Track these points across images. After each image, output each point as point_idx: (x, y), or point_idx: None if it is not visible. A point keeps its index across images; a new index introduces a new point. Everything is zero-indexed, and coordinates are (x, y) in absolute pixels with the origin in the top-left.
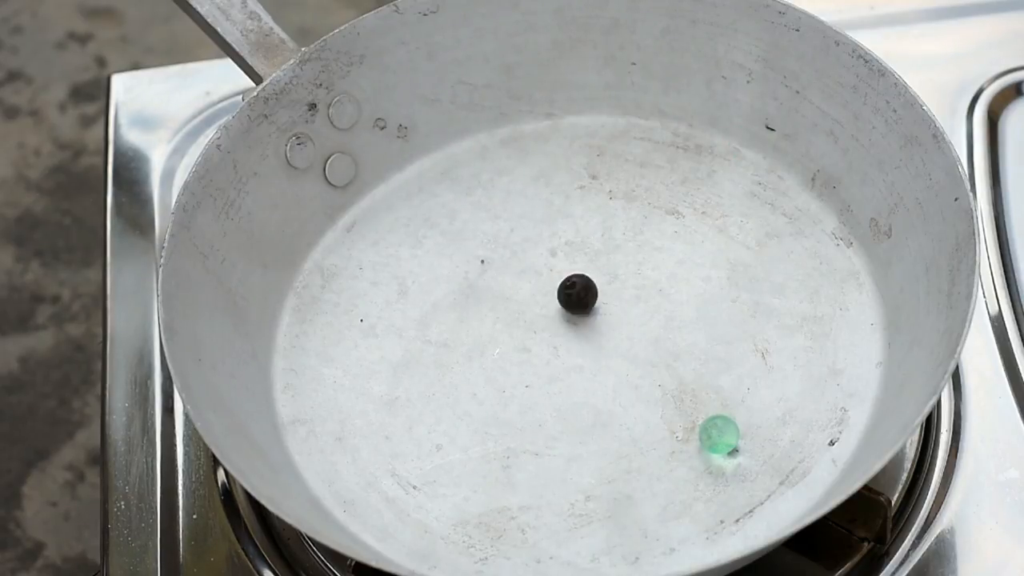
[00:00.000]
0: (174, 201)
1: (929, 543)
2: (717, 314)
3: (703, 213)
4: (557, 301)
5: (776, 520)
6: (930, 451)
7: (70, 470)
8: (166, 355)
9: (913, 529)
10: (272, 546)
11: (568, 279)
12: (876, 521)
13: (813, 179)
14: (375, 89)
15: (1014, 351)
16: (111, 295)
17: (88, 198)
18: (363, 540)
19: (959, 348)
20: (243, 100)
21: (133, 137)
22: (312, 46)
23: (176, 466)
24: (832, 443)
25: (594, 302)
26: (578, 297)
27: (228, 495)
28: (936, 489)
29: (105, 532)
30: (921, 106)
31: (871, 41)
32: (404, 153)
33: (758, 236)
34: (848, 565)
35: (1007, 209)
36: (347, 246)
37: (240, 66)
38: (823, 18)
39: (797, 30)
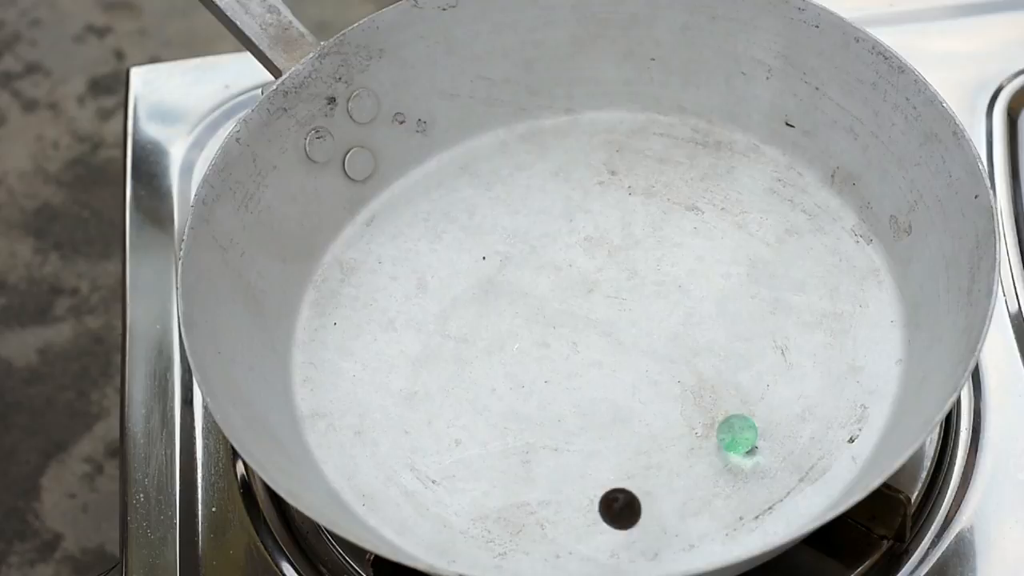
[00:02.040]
0: (193, 194)
1: (948, 541)
2: (736, 310)
3: (722, 209)
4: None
5: (795, 517)
6: (950, 449)
7: (88, 462)
8: (186, 348)
9: (932, 527)
10: (291, 539)
11: (611, 492)
12: (895, 519)
13: (833, 176)
14: (394, 83)
15: None
16: (130, 288)
17: (106, 191)
18: (382, 534)
19: (979, 346)
20: (262, 94)
21: (152, 130)
22: (331, 40)
23: (195, 458)
24: (852, 440)
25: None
26: (619, 511)
27: (247, 488)
28: (956, 487)
29: (124, 524)
30: (941, 103)
31: (890, 38)
32: (423, 147)
33: (777, 233)
34: (867, 563)
35: None
36: (366, 240)
37: (259, 60)
38: (843, 15)
39: (817, 26)
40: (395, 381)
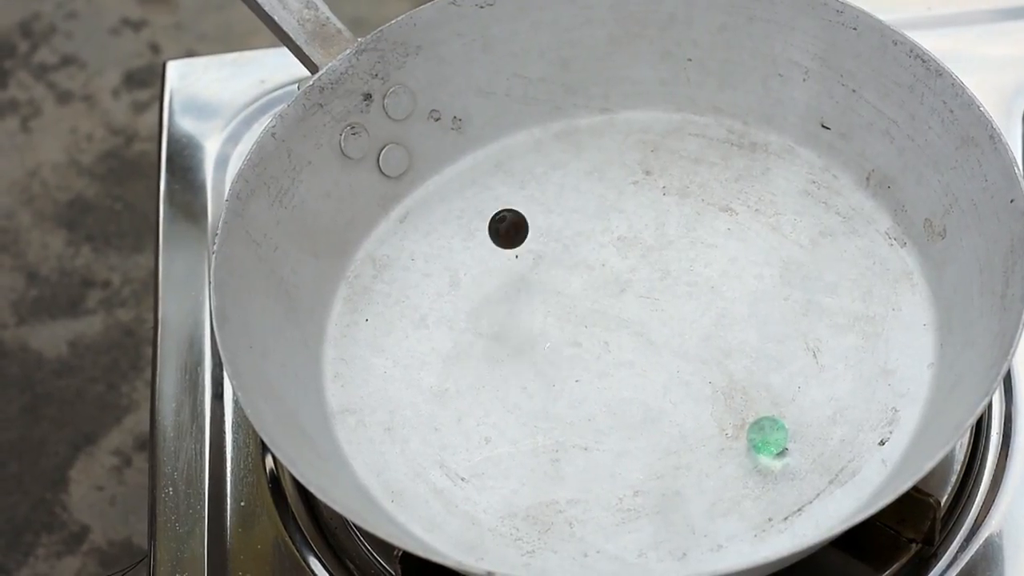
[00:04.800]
0: (228, 189)
1: (978, 545)
2: (769, 312)
3: (756, 211)
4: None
5: (824, 519)
6: (980, 453)
7: (117, 455)
8: (217, 342)
9: (962, 531)
10: (319, 534)
11: (499, 213)
12: (925, 522)
13: (868, 178)
14: (430, 81)
15: None
16: (162, 281)
17: (140, 184)
18: (411, 530)
19: (1012, 350)
20: (298, 89)
21: (187, 124)
22: (369, 36)
23: (225, 453)
24: (882, 443)
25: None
26: (506, 231)
27: (276, 482)
28: (985, 491)
29: (153, 517)
30: (978, 107)
31: (928, 42)
32: (458, 145)
33: (811, 235)
34: (896, 566)
35: None
36: (400, 237)
37: (296, 55)
38: (881, 17)
39: (855, 29)
40: (426, 378)
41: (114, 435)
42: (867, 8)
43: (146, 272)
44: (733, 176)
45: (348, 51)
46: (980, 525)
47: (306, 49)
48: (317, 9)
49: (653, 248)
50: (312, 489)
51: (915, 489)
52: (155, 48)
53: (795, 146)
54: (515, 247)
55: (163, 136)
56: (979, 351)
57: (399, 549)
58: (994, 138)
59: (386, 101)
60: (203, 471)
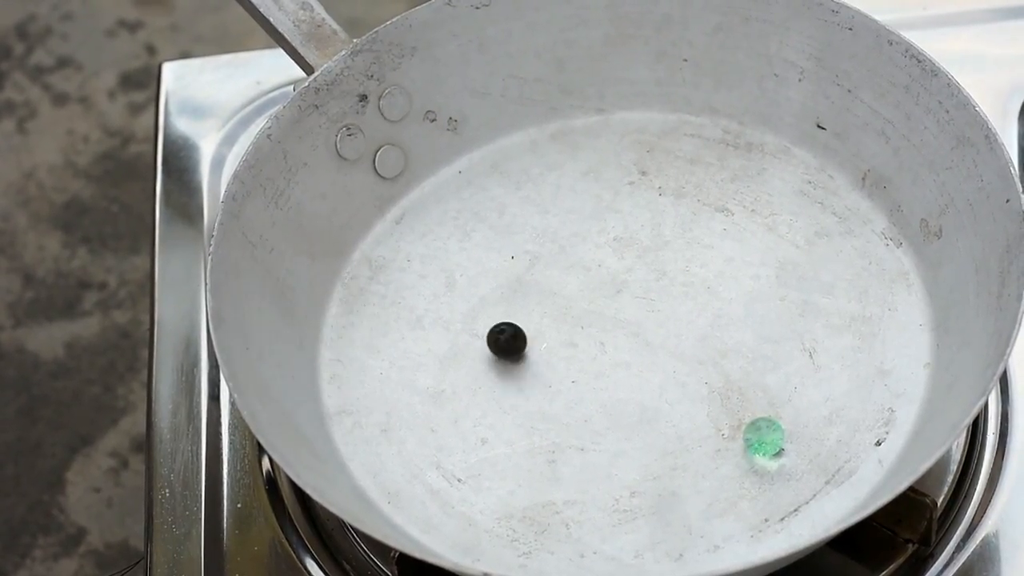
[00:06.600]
0: (223, 190)
1: (974, 546)
2: (765, 312)
3: (752, 211)
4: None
5: (821, 519)
6: (976, 453)
7: (114, 456)
8: (213, 343)
9: (958, 531)
10: (315, 536)
11: (498, 326)
12: (921, 522)
13: (863, 179)
14: (426, 81)
15: None
16: (159, 283)
17: (136, 185)
18: (407, 532)
19: (1008, 350)
20: (294, 90)
21: (183, 125)
22: (364, 37)
23: (221, 454)
24: (879, 443)
25: (523, 348)
26: (506, 343)
27: (272, 484)
28: (982, 491)
29: (149, 519)
30: (974, 107)
31: (923, 41)
32: (454, 146)
33: (807, 235)
34: (892, 567)
35: None
36: (395, 238)
37: (291, 56)
38: (877, 17)
39: (850, 29)
40: (422, 379)
41: (111, 437)
42: (863, 8)
43: (142, 274)
44: (729, 176)
45: (343, 52)
46: (976, 525)
47: (302, 50)
48: (312, 10)
49: (649, 249)
50: (308, 490)
51: (911, 489)
52: (151, 49)
53: (791, 146)
54: (513, 357)
55: (159, 137)
56: (975, 351)
57: (396, 550)
58: (990, 138)
59: (382, 102)
60: (199, 473)
